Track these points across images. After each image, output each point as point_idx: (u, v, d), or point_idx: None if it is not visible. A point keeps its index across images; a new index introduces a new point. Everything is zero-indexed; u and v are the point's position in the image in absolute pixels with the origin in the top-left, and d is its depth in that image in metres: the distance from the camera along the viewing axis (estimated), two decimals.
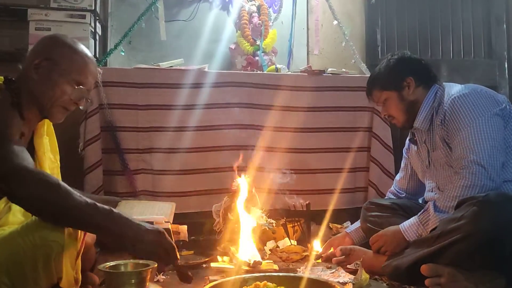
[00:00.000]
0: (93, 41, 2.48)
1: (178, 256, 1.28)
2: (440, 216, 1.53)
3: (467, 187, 1.50)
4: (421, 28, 3.15)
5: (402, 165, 2.03)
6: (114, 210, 1.21)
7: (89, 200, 1.18)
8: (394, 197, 2.02)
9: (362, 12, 3.12)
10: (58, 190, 1.15)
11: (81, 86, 1.42)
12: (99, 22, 2.59)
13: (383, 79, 1.81)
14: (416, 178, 1.96)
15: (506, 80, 3.23)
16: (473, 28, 3.24)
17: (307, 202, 2.23)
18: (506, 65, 3.24)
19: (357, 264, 1.58)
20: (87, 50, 1.47)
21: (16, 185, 1.13)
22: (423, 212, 1.61)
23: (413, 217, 1.63)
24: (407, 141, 1.97)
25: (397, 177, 2.06)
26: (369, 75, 1.95)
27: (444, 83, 1.79)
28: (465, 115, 1.60)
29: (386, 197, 2.08)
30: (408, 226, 1.61)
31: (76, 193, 1.17)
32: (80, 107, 1.45)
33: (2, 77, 1.37)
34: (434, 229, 1.50)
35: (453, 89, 1.71)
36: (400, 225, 1.64)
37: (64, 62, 1.40)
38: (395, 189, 2.05)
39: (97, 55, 2.52)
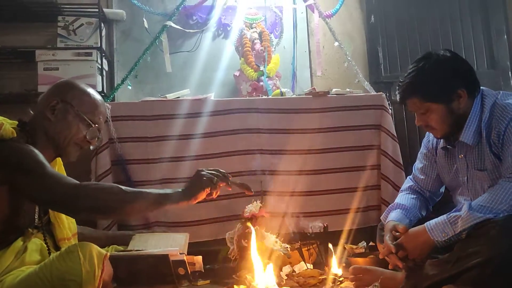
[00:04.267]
0: (100, 77, 2.54)
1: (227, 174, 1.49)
2: (474, 215, 1.41)
3: None
4: (422, 44, 3.18)
5: (420, 165, 1.88)
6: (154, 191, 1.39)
7: (136, 190, 1.37)
8: (415, 195, 1.87)
9: (362, 31, 3.17)
10: (114, 192, 1.31)
11: (96, 125, 1.51)
12: (105, 58, 2.65)
13: (428, 88, 1.57)
14: (439, 179, 1.84)
15: (511, 89, 3.23)
16: (474, 40, 3.26)
17: (325, 224, 2.21)
18: (510, 75, 3.24)
19: (375, 286, 1.56)
20: (96, 93, 1.58)
21: (76, 203, 1.27)
22: (454, 211, 1.49)
23: (442, 216, 1.51)
24: (425, 142, 1.87)
25: (419, 175, 1.89)
26: (401, 81, 1.66)
27: (483, 89, 1.63)
28: None
29: (403, 193, 1.91)
30: (435, 224, 1.49)
31: (126, 188, 1.33)
32: (91, 146, 1.54)
33: (15, 121, 1.43)
34: (465, 231, 1.42)
35: (510, 99, 1.56)
36: (425, 224, 1.52)
37: (78, 104, 1.50)
38: (419, 188, 1.89)
39: (105, 91, 2.57)
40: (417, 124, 1.69)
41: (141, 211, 1.40)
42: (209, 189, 1.43)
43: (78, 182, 1.32)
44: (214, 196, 1.47)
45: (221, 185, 1.47)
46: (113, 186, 1.36)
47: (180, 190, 1.41)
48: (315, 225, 2.20)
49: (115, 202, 1.30)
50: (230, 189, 1.53)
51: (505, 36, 3.28)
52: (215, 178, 1.44)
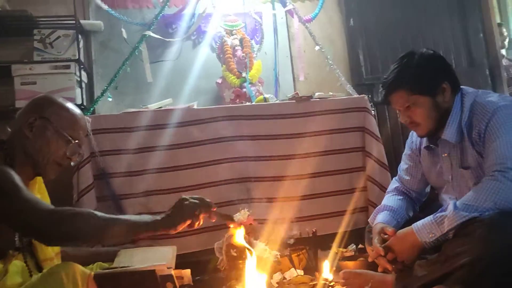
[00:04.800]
0: (79, 89, 2.49)
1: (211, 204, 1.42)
2: (460, 214, 1.42)
3: (501, 190, 1.41)
4: (402, 44, 3.20)
5: (405, 166, 1.90)
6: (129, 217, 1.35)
7: (113, 217, 1.30)
8: (401, 196, 1.88)
9: (343, 34, 3.18)
10: (89, 219, 1.25)
11: (76, 140, 1.46)
12: (84, 70, 2.60)
13: (414, 80, 1.59)
14: (424, 179, 1.86)
15: (490, 86, 3.29)
16: (452, 39, 3.31)
17: (314, 229, 2.20)
18: (487, 72, 3.30)
19: None
20: (76, 107, 1.53)
21: (50, 228, 1.20)
22: (440, 211, 1.49)
23: (428, 217, 1.51)
24: (409, 143, 1.89)
25: (405, 176, 1.90)
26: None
27: (463, 88, 1.66)
28: (504, 124, 1.50)
29: (390, 194, 1.92)
30: (422, 225, 1.50)
31: (103, 214, 1.28)
32: (72, 163, 1.48)
33: None
34: (452, 230, 1.43)
35: (489, 97, 1.59)
36: (413, 225, 1.52)
37: (57, 120, 1.45)
38: (405, 189, 1.90)
39: (85, 103, 2.52)
40: (401, 122, 1.70)
41: (116, 239, 1.33)
42: (191, 220, 1.38)
43: (53, 207, 1.26)
44: (196, 226, 1.42)
45: (203, 216, 1.41)
46: (89, 212, 1.30)
47: (159, 218, 1.36)
48: (304, 231, 2.19)
49: (90, 228, 1.25)
50: (214, 220, 1.47)
51: (481, 34, 3.34)
52: (198, 209, 1.38)
